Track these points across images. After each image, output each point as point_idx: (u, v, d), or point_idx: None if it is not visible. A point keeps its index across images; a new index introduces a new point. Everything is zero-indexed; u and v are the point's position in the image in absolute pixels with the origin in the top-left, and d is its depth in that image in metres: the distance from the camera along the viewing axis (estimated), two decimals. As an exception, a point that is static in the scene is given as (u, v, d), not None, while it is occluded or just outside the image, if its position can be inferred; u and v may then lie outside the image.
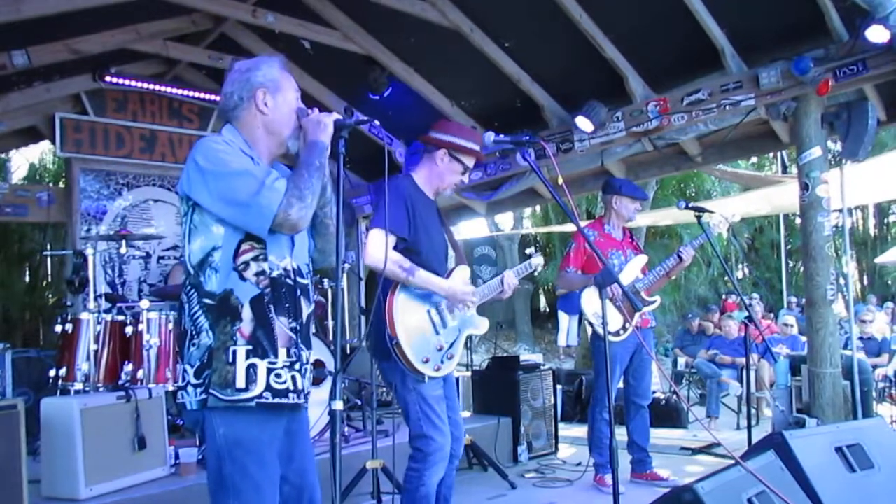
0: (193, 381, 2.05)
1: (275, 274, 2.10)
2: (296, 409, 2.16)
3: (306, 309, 2.20)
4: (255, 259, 2.09)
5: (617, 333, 4.55)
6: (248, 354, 2.03)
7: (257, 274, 2.08)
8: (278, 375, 2.07)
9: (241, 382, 2.01)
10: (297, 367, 2.12)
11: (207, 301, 2.06)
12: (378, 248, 2.96)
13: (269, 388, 2.05)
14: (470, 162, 3.28)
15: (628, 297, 3.22)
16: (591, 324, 4.58)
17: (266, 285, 2.08)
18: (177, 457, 4.06)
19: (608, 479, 4.56)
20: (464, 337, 3.25)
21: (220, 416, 2.03)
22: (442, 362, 3.10)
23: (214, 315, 2.05)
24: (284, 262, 2.14)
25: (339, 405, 1.95)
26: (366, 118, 2.28)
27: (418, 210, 3.14)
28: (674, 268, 4.67)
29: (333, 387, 1.95)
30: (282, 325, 2.10)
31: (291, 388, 2.10)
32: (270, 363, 2.06)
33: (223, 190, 2.02)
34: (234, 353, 2.03)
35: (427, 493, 2.99)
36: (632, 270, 4.71)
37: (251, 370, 2.03)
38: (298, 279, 2.18)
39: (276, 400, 2.06)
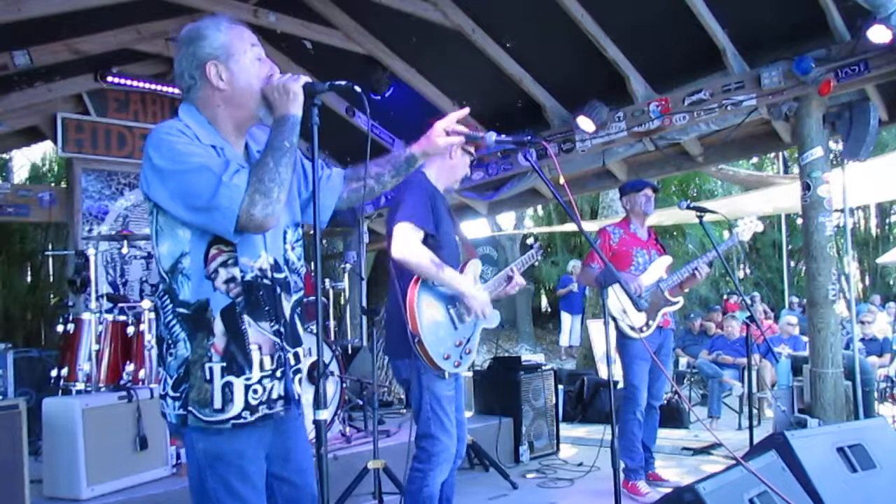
0: (172, 393, 1.91)
1: (249, 277, 1.90)
2: (281, 417, 2.00)
3: (288, 304, 2.00)
4: (224, 265, 1.88)
5: (640, 330, 4.56)
6: (223, 372, 1.87)
7: (227, 281, 1.88)
8: (255, 391, 1.91)
9: (217, 403, 1.86)
10: (279, 374, 1.95)
11: (182, 310, 1.89)
12: (407, 241, 2.98)
13: (247, 406, 1.89)
14: (475, 152, 3.32)
15: (630, 298, 3.21)
16: (615, 320, 4.57)
17: (237, 293, 1.89)
18: (178, 457, 4.06)
19: (641, 486, 4.55)
20: (479, 331, 3.26)
21: (197, 432, 1.90)
22: (461, 358, 3.10)
23: (190, 326, 1.88)
24: (259, 261, 1.93)
25: (324, 415, 1.82)
26: (342, 82, 1.94)
27: (437, 206, 3.15)
28: (688, 279, 4.73)
29: (316, 394, 1.83)
30: (263, 332, 1.92)
31: (274, 397, 1.94)
32: (246, 379, 1.89)
33: (181, 191, 1.80)
34: (211, 370, 1.87)
35: (431, 494, 2.98)
36: (656, 270, 4.72)
37: (227, 389, 1.87)
38: (276, 275, 1.97)
39: (255, 417, 1.91)
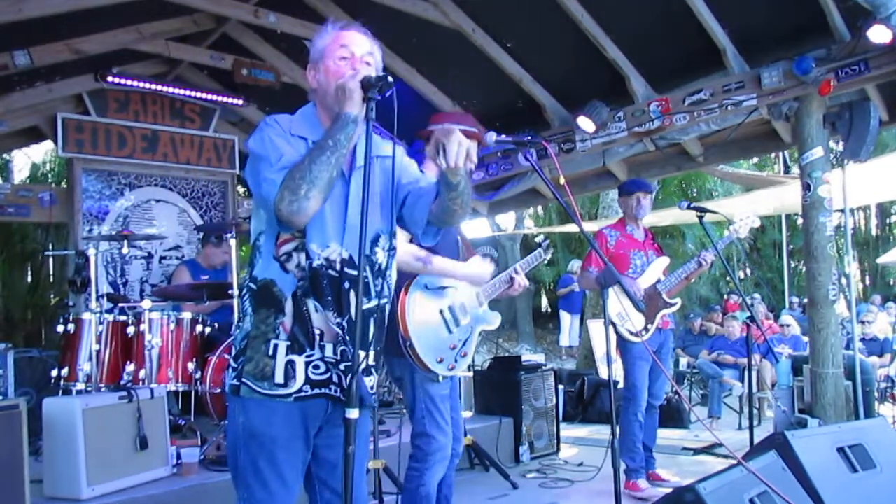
0: (233, 363, 2.01)
1: (315, 264, 1.94)
2: (339, 409, 1.96)
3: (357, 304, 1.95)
4: (296, 250, 1.96)
5: (639, 335, 4.55)
6: (288, 350, 1.95)
7: (297, 266, 1.96)
8: (317, 367, 1.97)
9: (279, 377, 1.95)
10: (342, 367, 1.96)
11: (251, 285, 2.01)
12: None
13: (308, 381, 1.96)
14: (475, 147, 3.27)
15: (631, 299, 3.20)
16: (614, 324, 4.55)
17: (302, 277, 1.95)
18: (178, 457, 4.05)
19: (641, 483, 4.57)
20: (476, 334, 3.24)
21: (243, 404, 1.97)
22: (456, 361, 3.09)
23: (256, 302, 1.99)
24: (327, 251, 1.96)
25: (354, 413, 1.79)
26: (383, 73, 1.96)
27: None
28: (694, 272, 4.71)
29: (349, 391, 1.80)
30: (326, 320, 1.95)
31: (336, 380, 1.98)
32: (308, 356, 1.96)
33: (251, 175, 1.96)
34: (276, 347, 1.95)
35: (428, 493, 2.99)
36: (654, 272, 4.71)
37: (289, 367, 1.95)
38: (347, 270, 1.97)
39: (316, 391, 1.96)
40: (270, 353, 1.95)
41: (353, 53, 2.05)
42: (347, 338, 1.94)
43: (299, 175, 1.85)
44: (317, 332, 1.96)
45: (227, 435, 2.05)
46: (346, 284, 1.96)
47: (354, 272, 1.96)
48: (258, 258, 2.01)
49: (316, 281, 1.94)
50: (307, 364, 1.96)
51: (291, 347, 1.96)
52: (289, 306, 1.96)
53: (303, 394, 1.96)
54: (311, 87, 2.11)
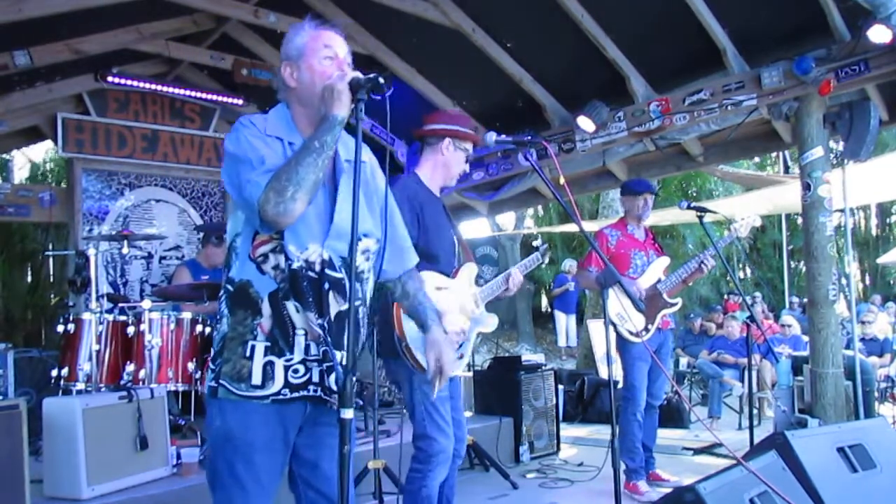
0: (212, 365, 2.01)
1: (294, 266, 1.93)
2: (320, 407, 2.01)
3: (337, 306, 1.98)
4: (273, 251, 1.95)
5: (639, 335, 4.54)
6: (266, 352, 1.94)
7: (274, 267, 1.95)
8: (296, 371, 1.95)
9: (257, 379, 1.94)
10: (326, 366, 1.96)
11: (228, 287, 2.00)
12: None
13: (287, 384, 1.95)
14: (470, 147, 3.26)
15: (631, 298, 3.20)
16: (613, 324, 4.55)
17: (282, 279, 1.94)
18: (178, 457, 4.06)
19: (641, 485, 4.56)
20: (473, 335, 3.23)
21: (220, 407, 1.96)
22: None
23: (231, 303, 1.99)
24: (306, 252, 1.94)
25: (349, 413, 1.76)
26: (373, 74, 1.93)
27: (427, 210, 3.08)
28: (692, 274, 4.71)
29: (343, 392, 1.77)
30: (310, 321, 1.94)
31: (316, 380, 1.96)
32: (287, 360, 1.95)
33: (229, 176, 1.93)
34: (253, 348, 1.94)
35: (429, 494, 2.98)
36: (654, 272, 4.71)
37: (268, 368, 1.94)
38: (328, 272, 1.96)
39: (295, 394, 1.95)
40: (248, 354, 1.95)
41: (336, 54, 2.05)
42: (329, 338, 1.95)
43: (285, 177, 1.84)
44: (300, 331, 1.96)
45: (207, 434, 2.05)
46: (327, 286, 1.96)
47: (335, 273, 1.98)
48: (234, 260, 2.00)
49: (296, 282, 1.94)
50: (286, 368, 1.96)
51: (271, 349, 1.95)
52: (265, 308, 1.95)
53: (281, 397, 1.95)
54: (286, 86, 2.06)
